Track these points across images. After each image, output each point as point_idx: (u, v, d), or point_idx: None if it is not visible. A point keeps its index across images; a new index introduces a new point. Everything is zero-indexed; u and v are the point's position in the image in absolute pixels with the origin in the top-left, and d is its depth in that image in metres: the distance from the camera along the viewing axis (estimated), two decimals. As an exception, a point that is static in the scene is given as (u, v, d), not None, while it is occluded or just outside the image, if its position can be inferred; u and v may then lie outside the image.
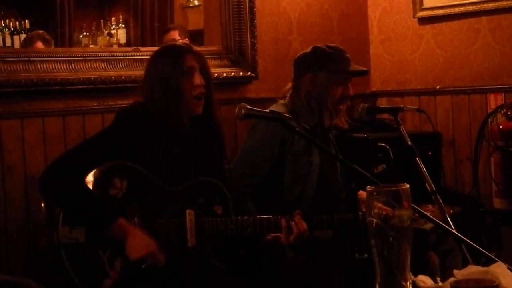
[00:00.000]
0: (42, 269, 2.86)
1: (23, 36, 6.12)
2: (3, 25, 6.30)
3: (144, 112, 2.77)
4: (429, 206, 3.40)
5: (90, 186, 2.64)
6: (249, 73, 4.28)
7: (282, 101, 3.38)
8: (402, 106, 3.35)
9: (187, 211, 2.69)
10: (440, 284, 1.72)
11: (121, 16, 6.98)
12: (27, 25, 6.29)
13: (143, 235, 2.61)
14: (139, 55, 3.75)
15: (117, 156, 2.67)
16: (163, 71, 2.79)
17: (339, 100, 3.29)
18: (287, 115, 2.68)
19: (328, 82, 3.27)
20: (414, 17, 4.89)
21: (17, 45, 6.06)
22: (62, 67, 3.52)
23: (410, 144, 2.98)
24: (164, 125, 2.76)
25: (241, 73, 4.24)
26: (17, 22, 6.30)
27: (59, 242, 2.58)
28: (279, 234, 2.79)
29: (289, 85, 3.40)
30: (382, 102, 5.09)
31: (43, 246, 2.80)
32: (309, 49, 3.39)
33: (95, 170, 2.64)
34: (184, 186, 2.74)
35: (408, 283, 1.49)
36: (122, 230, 2.58)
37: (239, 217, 2.75)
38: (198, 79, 2.82)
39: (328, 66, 3.28)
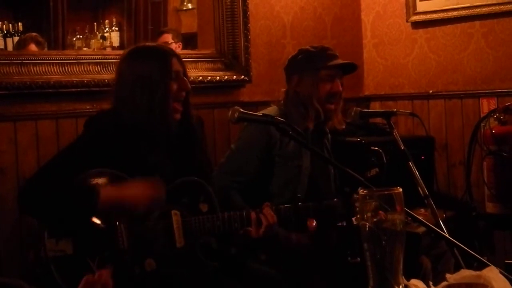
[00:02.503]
0: (32, 283, 2.84)
1: (16, 38, 6.10)
2: (-4, 27, 6.29)
3: (114, 118, 2.74)
4: (422, 210, 3.41)
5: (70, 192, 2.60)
6: (243, 76, 4.28)
7: (275, 105, 3.39)
8: (395, 110, 3.35)
9: (172, 211, 2.68)
10: (432, 288, 1.72)
11: (114, 19, 6.97)
12: (20, 28, 6.27)
13: (132, 187, 2.59)
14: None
15: (92, 164, 2.63)
16: (150, 75, 2.74)
17: (327, 98, 3.29)
18: (280, 118, 2.67)
19: (313, 80, 3.28)
20: (407, 21, 4.90)
21: (10, 47, 6.04)
22: (55, 70, 3.51)
23: (403, 148, 2.99)
24: (145, 128, 2.73)
25: (234, 77, 4.24)
26: (10, 25, 6.27)
27: (47, 256, 2.55)
28: (249, 228, 2.78)
29: (283, 89, 3.42)
30: (375, 106, 5.10)
31: (31, 260, 2.76)
32: (295, 53, 3.43)
33: (77, 177, 2.60)
34: (167, 188, 2.73)
35: (400, 287, 1.50)
36: (111, 200, 2.56)
37: (225, 213, 2.74)
38: (187, 84, 2.81)
39: (311, 64, 3.30)
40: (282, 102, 3.38)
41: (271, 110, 3.30)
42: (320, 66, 3.29)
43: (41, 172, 2.67)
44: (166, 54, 2.83)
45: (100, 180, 2.63)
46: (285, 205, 2.83)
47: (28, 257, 2.99)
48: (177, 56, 2.85)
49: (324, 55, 3.32)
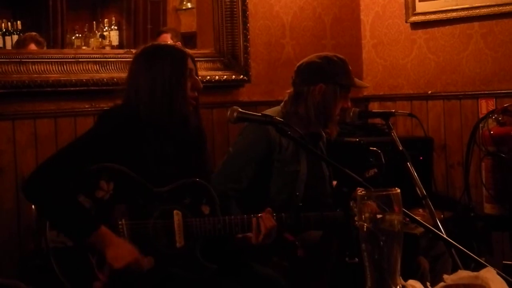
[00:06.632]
0: (31, 274, 2.85)
1: (15, 37, 6.10)
2: (-5, 26, 6.29)
3: (129, 113, 2.75)
4: (420, 210, 3.41)
5: (77, 189, 2.62)
6: (242, 76, 4.28)
7: (278, 106, 3.38)
8: (393, 110, 3.35)
9: (174, 211, 2.69)
10: (430, 288, 1.72)
11: (113, 18, 6.97)
12: (19, 26, 6.27)
13: (125, 243, 2.59)
14: (132, 57, 3.74)
15: (103, 157, 2.64)
16: (170, 75, 2.75)
17: (339, 112, 3.31)
18: (279, 118, 2.67)
19: (337, 94, 3.28)
20: (406, 22, 4.90)
21: (9, 46, 6.04)
22: (54, 69, 3.51)
23: (401, 149, 2.99)
24: (161, 125, 2.76)
25: (233, 76, 4.25)
26: (9, 23, 6.27)
27: (48, 247, 2.56)
28: (249, 234, 2.79)
29: (290, 90, 3.39)
30: (374, 107, 5.10)
31: (31, 250, 2.78)
32: (318, 58, 3.35)
33: (82, 173, 2.62)
34: (171, 187, 2.73)
35: (398, 287, 1.50)
36: (103, 239, 2.56)
37: (227, 217, 2.75)
38: (200, 83, 2.83)
39: (339, 79, 3.29)
40: (283, 103, 3.37)
41: (272, 111, 3.30)
42: (347, 83, 3.32)
43: (50, 162, 2.68)
44: (183, 54, 2.84)
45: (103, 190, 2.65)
46: (286, 215, 2.82)
47: (27, 247, 3.00)
48: (191, 56, 2.87)
49: (348, 72, 3.34)
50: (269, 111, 3.27)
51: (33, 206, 2.81)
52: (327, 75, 3.29)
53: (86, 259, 2.58)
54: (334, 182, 3.52)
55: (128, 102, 2.81)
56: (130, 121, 2.73)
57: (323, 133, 3.43)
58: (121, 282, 2.59)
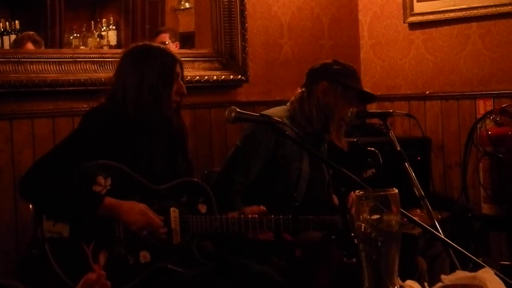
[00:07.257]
0: (28, 264, 2.86)
1: (13, 36, 6.09)
2: (-7, 25, 6.28)
3: (115, 111, 2.77)
4: (418, 211, 3.41)
5: (74, 183, 2.63)
6: (240, 76, 4.28)
7: (284, 106, 3.40)
8: (391, 111, 3.36)
9: (171, 208, 2.72)
10: (427, 289, 1.72)
11: (112, 18, 6.96)
12: (17, 26, 6.26)
13: (134, 205, 2.64)
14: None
15: (91, 156, 2.66)
16: (157, 79, 2.79)
17: (342, 119, 3.31)
18: (276, 118, 2.67)
19: (340, 95, 3.29)
20: (404, 22, 4.91)
21: (7, 45, 6.04)
22: (52, 68, 3.51)
23: (399, 149, 2.99)
24: (146, 124, 2.77)
25: (231, 76, 4.24)
26: (7, 23, 6.27)
27: (44, 236, 2.59)
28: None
29: (299, 90, 3.41)
30: (372, 107, 5.09)
31: (28, 241, 2.80)
32: (328, 60, 3.42)
33: (79, 168, 2.64)
34: (168, 185, 2.76)
35: (396, 287, 1.50)
36: (112, 208, 2.61)
37: (224, 215, 2.77)
38: (184, 89, 2.87)
39: (344, 79, 3.31)
40: (290, 102, 3.39)
41: (275, 110, 3.31)
42: (352, 86, 3.33)
43: (43, 161, 2.70)
44: (173, 58, 2.88)
45: (103, 182, 2.67)
46: (284, 217, 2.82)
47: (25, 238, 3.01)
48: (180, 61, 2.91)
49: (356, 77, 3.38)
50: (276, 110, 3.31)
51: (31, 206, 2.81)
52: (332, 74, 3.32)
53: (82, 250, 2.58)
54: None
55: (114, 99, 2.83)
56: (117, 119, 2.75)
57: (326, 138, 3.43)
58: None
